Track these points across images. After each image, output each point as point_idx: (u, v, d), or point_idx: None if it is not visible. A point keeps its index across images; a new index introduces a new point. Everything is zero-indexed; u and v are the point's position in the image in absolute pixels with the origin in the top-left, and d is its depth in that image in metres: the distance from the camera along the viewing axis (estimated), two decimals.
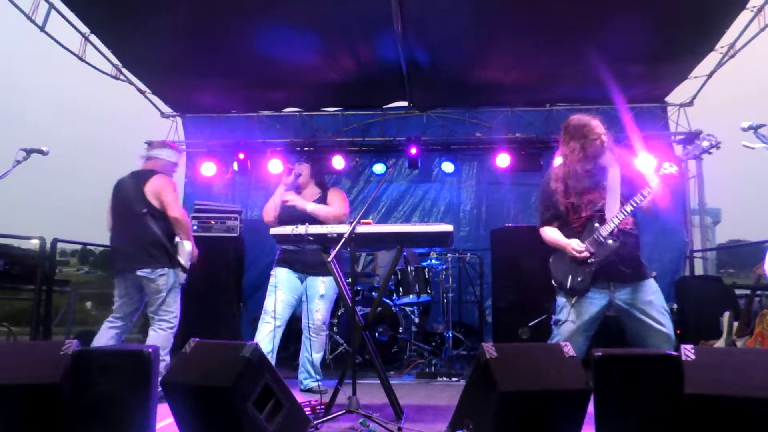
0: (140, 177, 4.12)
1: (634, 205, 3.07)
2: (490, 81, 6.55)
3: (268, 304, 4.16)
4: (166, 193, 4.04)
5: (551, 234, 3.35)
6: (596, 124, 3.25)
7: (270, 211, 4.41)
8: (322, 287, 4.11)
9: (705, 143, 3.13)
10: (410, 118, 7.50)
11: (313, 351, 4.08)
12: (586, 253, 3.14)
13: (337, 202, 4.39)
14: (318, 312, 4.08)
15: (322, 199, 4.41)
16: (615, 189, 3.18)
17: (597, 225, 3.16)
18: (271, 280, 4.24)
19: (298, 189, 4.54)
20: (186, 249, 4.06)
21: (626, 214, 3.09)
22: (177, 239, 4.09)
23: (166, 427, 3.06)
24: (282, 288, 4.15)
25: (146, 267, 3.93)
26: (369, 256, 6.67)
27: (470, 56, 6.03)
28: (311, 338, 4.10)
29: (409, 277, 5.87)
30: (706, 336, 5.11)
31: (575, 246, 3.17)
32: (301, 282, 4.26)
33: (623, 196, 3.17)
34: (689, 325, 5.72)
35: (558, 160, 3.51)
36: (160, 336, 3.95)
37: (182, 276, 4.10)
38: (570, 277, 3.19)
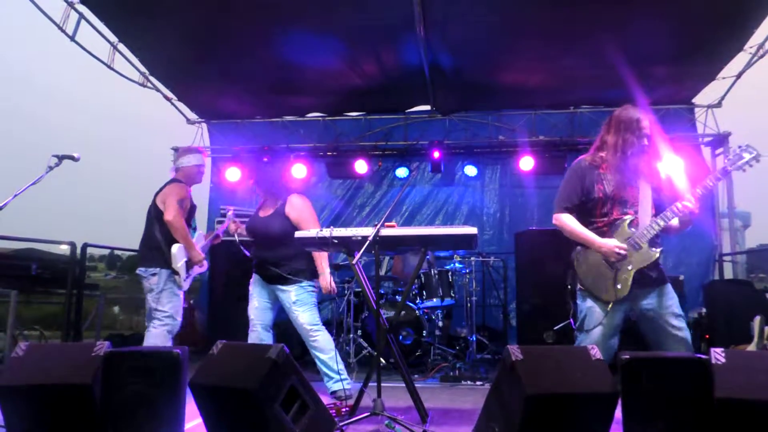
0: (162, 185, 4.29)
1: (671, 215, 2.96)
2: (513, 84, 6.53)
3: (249, 310, 4.18)
4: (168, 197, 4.14)
5: (576, 226, 3.15)
6: (646, 124, 3.12)
7: None
8: (293, 295, 4.01)
9: (746, 155, 2.94)
10: (433, 121, 7.52)
11: (317, 353, 4.05)
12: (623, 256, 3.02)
13: (300, 215, 4.09)
14: (298, 317, 4.01)
15: (280, 211, 4.13)
16: (648, 192, 3.08)
17: (632, 229, 3.04)
18: (250, 288, 4.25)
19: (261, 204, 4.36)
20: (173, 252, 4.08)
21: (666, 221, 2.97)
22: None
23: (194, 428, 3.10)
24: (255, 294, 4.18)
25: (142, 266, 4.13)
26: (391, 260, 6.68)
27: (493, 59, 6.03)
28: (308, 343, 4.08)
29: (433, 281, 5.86)
30: (736, 341, 5.00)
31: (617, 245, 3.01)
32: (272, 289, 4.16)
33: (653, 201, 3.09)
34: (719, 330, 5.60)
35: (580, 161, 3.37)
36: (152, 334, 4.03)
37: (181, 279, 4.11)
38: (606, 282, 3.06)
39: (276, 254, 4.02)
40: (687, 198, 2.95)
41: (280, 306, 4.23)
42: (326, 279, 4.06)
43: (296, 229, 3.99)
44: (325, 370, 4.03)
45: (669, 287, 3.08)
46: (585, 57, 5.84)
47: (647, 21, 5.14)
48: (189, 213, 4.30)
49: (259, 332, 4.11)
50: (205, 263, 4.48)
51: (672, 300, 3.04)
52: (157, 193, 4.23)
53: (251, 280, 4.24)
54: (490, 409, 2.76)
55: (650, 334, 3.09)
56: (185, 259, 4.16)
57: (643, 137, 3.12)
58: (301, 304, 4.02)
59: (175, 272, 4.10)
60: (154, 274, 4.07)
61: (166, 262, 4.08)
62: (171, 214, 4.07)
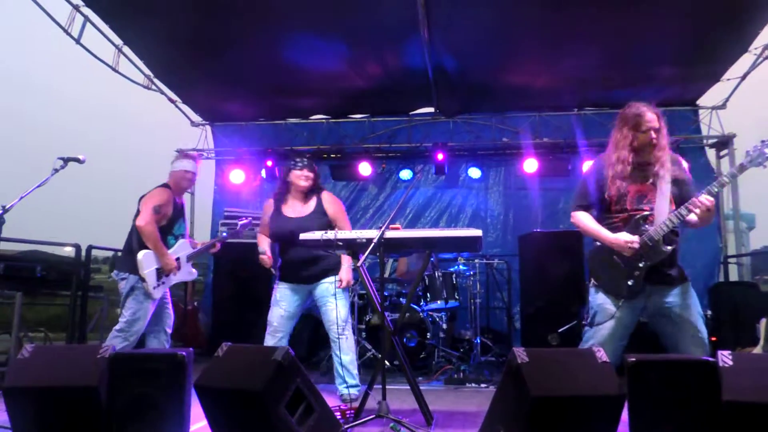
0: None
1: (685, 213, 2.92)
2: (517, 85, 6.53)
3: (271, 317, 4.14)
4: (146, 202, 4.08)
5: (589, 222, 3.18)
6: (651, 117, 3.11)
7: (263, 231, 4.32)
8: (332, 287, 4.04)
9: None
10: (437, 123, 7.51)
11: (342, 353, 4.03)
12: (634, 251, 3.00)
13: (338, 211, 4.19)
14: (334, 310, 4.02)
15: (319, 209, 4.16)
16: (665, 188, 3.03)
17: (647, 226, 3.01)
18: (274, 293, 4.20)
19: (283, 198, 4.28)
20: (138, 258, 3.97)
21: (681, 218, 2.93)
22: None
23: (199, 430, 3.10)
24: (283, 302, 4.12)
25: (115, 269, 4.13)
26: (395, 262, 6.68)
27: (497, 61, 6.02)
28: (337, 339, 4.06)
29: (437, 283, 5.85)
30: (742, 343, 4.99)
31: (628, 239, 2.99)
32: (307, 291, 4.17)
33: (673, 197, 3.04)
34: (725, 332, 5.59)
35: (588, 164, 3.41)
36: (110, 334, 3.99)
37: (148, 286, 3.99)
38: (619, 278, 3.04)
39: (316, 251, 4.00)
40: (702, 195, 2.90)
41: (301, 313, 4.25)
42: (345, 270, 4.09)
43: (331, 225, 4.07)
44: (341, 371, 4.05)
45: (688, 285, 3.06)
46: (589, 58, 5.83)
47: (651, 22, 5.13)
48: (171, 220, 4.20)
49: (279, 340, 4.08)
50: (194, 271, 4.44)
51: (692, 299, 3.02)
52: (141, 197, 4.17)
53: (276, 287, 4.20)
54: (495, 412, 2.75)
55: (667, 334, 3.06)
56: (155, 267, 4.05)
57: (647, 131, 3.10)
58: (341, 298, 4.07)
59: (142, 279, 3.98)
60: (123, 279, 4.03)
61: (135, 267, 3.99)
62: (143, 220, 3.99)
